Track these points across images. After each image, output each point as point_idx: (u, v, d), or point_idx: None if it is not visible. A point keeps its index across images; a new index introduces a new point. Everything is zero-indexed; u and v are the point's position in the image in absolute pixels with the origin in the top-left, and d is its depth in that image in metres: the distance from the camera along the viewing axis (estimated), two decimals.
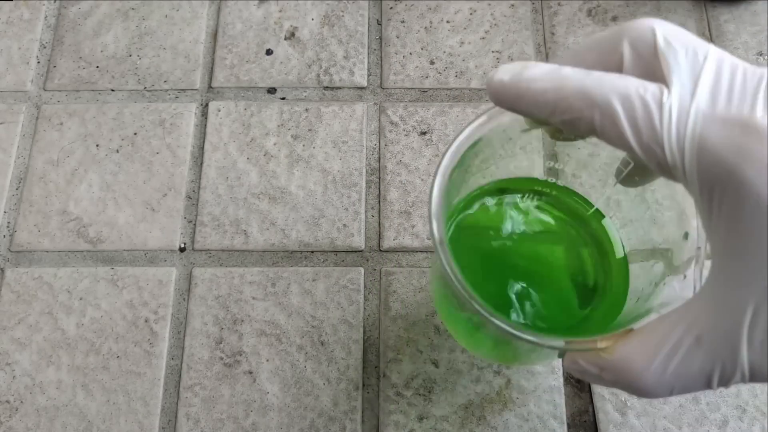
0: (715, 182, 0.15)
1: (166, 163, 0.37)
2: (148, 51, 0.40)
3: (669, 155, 0.16)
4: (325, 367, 0.33)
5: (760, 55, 0.39)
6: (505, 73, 0.18)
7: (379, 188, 0.36)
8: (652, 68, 0.17)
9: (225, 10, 0.41)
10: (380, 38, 0.40)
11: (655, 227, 0.24)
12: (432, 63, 0.39)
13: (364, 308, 0.34)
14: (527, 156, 0.26)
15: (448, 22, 0.40)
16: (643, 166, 0.21)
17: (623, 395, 0.32)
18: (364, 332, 0.33)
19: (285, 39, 0.40)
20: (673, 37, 0.17)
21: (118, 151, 0.38)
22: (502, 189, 0.27)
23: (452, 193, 0.24)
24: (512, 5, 0.41)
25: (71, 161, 0.37)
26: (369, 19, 0.41)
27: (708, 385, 0.17)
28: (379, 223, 0.36)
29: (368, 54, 0.40)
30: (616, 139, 0.16)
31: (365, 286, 0.34)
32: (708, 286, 0.17)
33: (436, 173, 0.21)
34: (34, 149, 0.38)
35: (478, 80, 0.39)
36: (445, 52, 0.40)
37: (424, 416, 0.32)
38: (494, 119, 0.22)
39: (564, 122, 0.17)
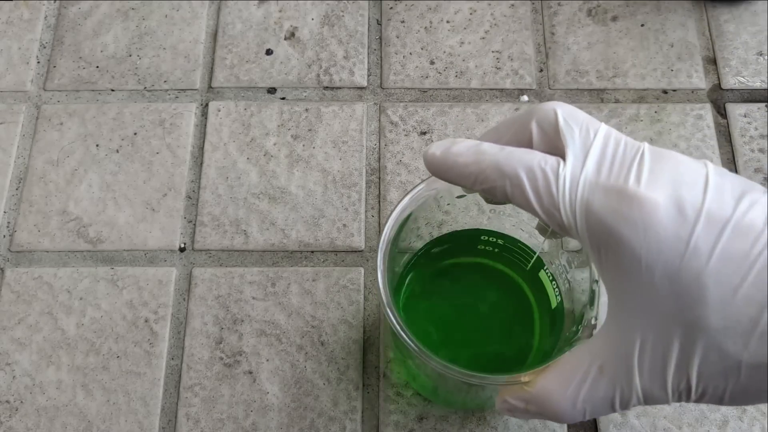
0: (600, 240, 0.18)
1: (166, 163, 0.37)
2: (148, 51, 0.40)
3: (565, 218, 0.19)
4: (325, 367, 0.33)
5: (761, 55, 0.39)
6: (437, 148, 0.21)
7: (379, 188, 0.36)
8: (555, 144, 0.19)
9: (225, 10, 0.41)
10: (380, 38, 0.40)
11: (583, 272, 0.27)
12: (432, 63, 0.39)
13: (364, 308, 0.34)
14: (469, 216, 0.29)
15: (448, 22, 0.40)
16: None
17: None
18: (364, 332, 0.33)
19: (285, 39, 0.40)
20: (570, 117, 0.19)
21: (118, 151, 0.38)
22: (446, 247, 0.30)
23: (397, 258, 0.28)
24: (512, 5, 0.41)
25: (71, 161, 0.37)
26: (369, 19, 0.41)
27: (612, 409, 0.19)
28: (379, 223, 0.36)
29: (368, 54, 0.40)
30: (524, 204, 0.19)
31: (365, 286, 0.34)
32: (606, 324, 0.19)
33: (380, 241, 0.24)
34: (34, 149, 0.38)
35: (478, 80, 0.39)
36: (445, 52, 0.40)
37: (424, 416, 0.32)
38: (432, 185, 0.25)
39: (484, 190, 0.20)
